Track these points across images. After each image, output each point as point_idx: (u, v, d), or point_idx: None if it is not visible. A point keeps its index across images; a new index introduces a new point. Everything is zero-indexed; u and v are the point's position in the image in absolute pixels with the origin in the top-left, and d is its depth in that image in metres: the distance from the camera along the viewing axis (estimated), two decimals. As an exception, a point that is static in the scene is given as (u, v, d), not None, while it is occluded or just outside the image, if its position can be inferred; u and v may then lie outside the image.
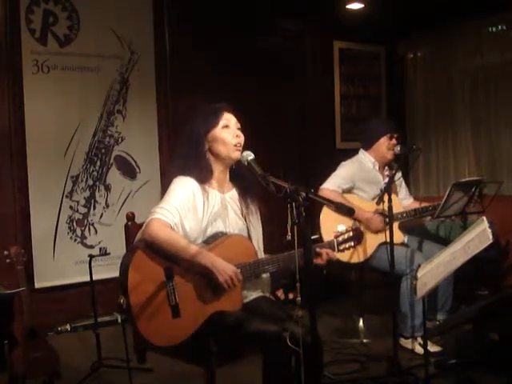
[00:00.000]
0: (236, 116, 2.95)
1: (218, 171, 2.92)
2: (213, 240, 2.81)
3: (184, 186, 2.81)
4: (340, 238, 2.98)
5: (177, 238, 2.67)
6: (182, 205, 2.75)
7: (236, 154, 2.84)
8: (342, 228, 3.03)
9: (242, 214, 2.99)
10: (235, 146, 2.85)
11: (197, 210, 2.81)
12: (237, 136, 2.86)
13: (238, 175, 2.98)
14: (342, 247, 2.98)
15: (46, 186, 5.08)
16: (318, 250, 2.88)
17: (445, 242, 4.25)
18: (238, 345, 2.75)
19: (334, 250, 2.94)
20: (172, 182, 2.84)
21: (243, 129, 2.96)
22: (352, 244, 3.00)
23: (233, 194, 2.99)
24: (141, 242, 2.71)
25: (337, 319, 5.00)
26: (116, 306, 2.67)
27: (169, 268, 2.67)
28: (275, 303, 2.98)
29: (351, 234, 2.99)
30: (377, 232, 4.26)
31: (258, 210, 3.05)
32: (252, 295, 2.93)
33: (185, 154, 2.90)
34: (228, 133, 2.86)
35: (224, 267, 2.66)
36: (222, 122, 2.88)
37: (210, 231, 2.85)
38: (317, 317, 2.42)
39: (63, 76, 5.18)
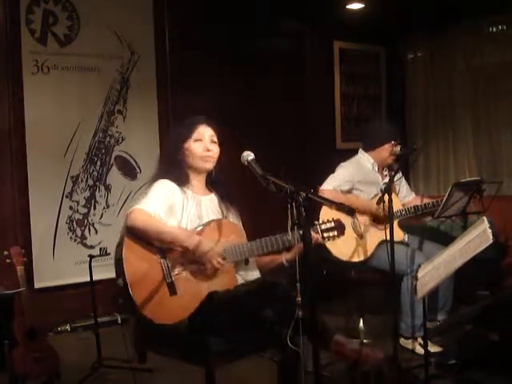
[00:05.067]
0: (215, 129, 3.12)
1: (193, 178, 3.08)
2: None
3: (163, 186, 2.97)
4: (323, 226, 3.03)
5: (155, 223, 2.79)
6: (161, 200, 2.89)
7: (204, 165, 3.05)
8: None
9: (223, 217, 3.09)
10: (203, 157, 3.03)
11: (175, 207, 2.94)
12: (207, 150, 3.03)
13: (216, 182, 3.15)
14: (326, 235, 3.02)
15: (45, 186, 5.07)
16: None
17: (445, 242, 4.25)
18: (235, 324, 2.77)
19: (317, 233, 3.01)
20: (153, 184, 3.00)
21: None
22: (336, 233, 3.03)
23: (211, 197, 3.14)
24: (124, 231, 2.82)
25: (337, 319, 5.00)
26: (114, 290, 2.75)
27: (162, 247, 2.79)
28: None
29: (333, 224, 3.04)
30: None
31: (238, 213, 3.21)
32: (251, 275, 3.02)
33: (165, 160, 3.14)
34: (199, 145, 3.04)
35: (203, 248, 2.75)
36: (194, 136, 3.05)
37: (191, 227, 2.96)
38: (317, 317, 2.42)
39: (63, 76, 5.17)
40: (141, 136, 5.57)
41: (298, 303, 2.48)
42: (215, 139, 3.09)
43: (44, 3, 5.08)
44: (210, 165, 3.06)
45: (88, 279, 3.99)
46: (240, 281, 2.98)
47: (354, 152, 4.63)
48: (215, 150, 3.06)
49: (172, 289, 2.76)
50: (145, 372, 3.82)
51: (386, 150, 4.46)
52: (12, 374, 3.65)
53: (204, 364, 2.74)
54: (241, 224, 3.20)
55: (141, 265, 2.75)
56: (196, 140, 3.04)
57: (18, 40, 4.95)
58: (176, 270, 2.79)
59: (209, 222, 2.96)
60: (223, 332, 2.73)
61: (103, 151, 5.39)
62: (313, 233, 2.93)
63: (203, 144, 3.03)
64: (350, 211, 2.73)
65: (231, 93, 5.67)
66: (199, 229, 2.92)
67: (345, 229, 3.07)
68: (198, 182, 3.10)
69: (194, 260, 2.79)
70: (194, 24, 5.75)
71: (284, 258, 3.03)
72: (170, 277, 2.77)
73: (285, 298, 2.69)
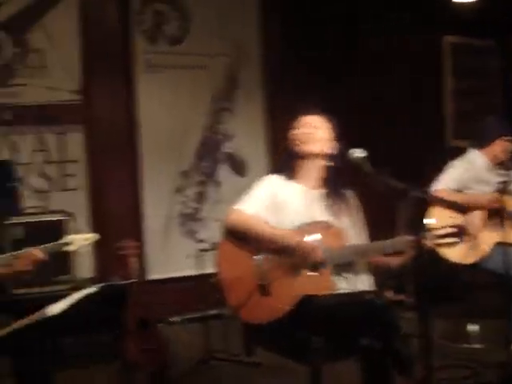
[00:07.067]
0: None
1: (305, 170, 2.96)
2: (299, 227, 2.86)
3: (264, 185, 2.99)
4: (439, 232, 2.76)
5: (254, 222, 2.81)
6: (262, 198, 2.92)
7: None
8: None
9: (335, 213, 2.94)
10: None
11: (280, 204, 2.90)
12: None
13: (333, 175, 2.95)
14: (441, 241, 2.76)
15: (158, 181, 5.24)
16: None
17: None
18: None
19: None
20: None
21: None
22: (456, 240, 2.77)
23: (325, 192, 2.96)
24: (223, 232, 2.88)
25: (447, 323, 4.87)
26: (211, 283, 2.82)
27: (256, 248, 2.79)
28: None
29: (455, 229, 2.77)
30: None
31: (359, 210, 3.02)
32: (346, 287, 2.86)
33: (281, 153, 3.14)
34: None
35: (304, 244, 2.70)
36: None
37: (295, 224, 2.85)
38: (429, 319, 2.36)
39: (173, 74, 5.33)
40: (248, 133, 5.64)
41: (406, 304, 2.44)
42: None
43: (154, 4, 5.24)
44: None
45: (198, 272, 4.08)
46: (343, 285, 2.84)
47: (467, 150, 4.50)
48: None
49: (265, 290, 2.75)
50: (253, 366, 3.86)
51: (498, 147, 4.31)
52: (123, 362, 3.79)
53: (306, 361, 2.70)
54: (359, 225, 3.00)
55: (236, 265, 2.81)
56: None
57: (130, 40, 5.15)
58: (271, 272, 2.77)
59: (309, 224, 2.83)
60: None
61: (212, 148, 5.49)
62: (424, 240, 2.74)
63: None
64: (462, 210, 2.61)
65: (342, 93, 5.61)
66: (299, 229, 2.82)
67: (467, 233, 2.89)
68: (310, 174, 2.96)
69: (290, 262, 2.75)
70: (295, 26, 5.73)
71: (391, 262, 2.86)
72: (265, 278, 2.75)
73: (383, 320, 2.54)
